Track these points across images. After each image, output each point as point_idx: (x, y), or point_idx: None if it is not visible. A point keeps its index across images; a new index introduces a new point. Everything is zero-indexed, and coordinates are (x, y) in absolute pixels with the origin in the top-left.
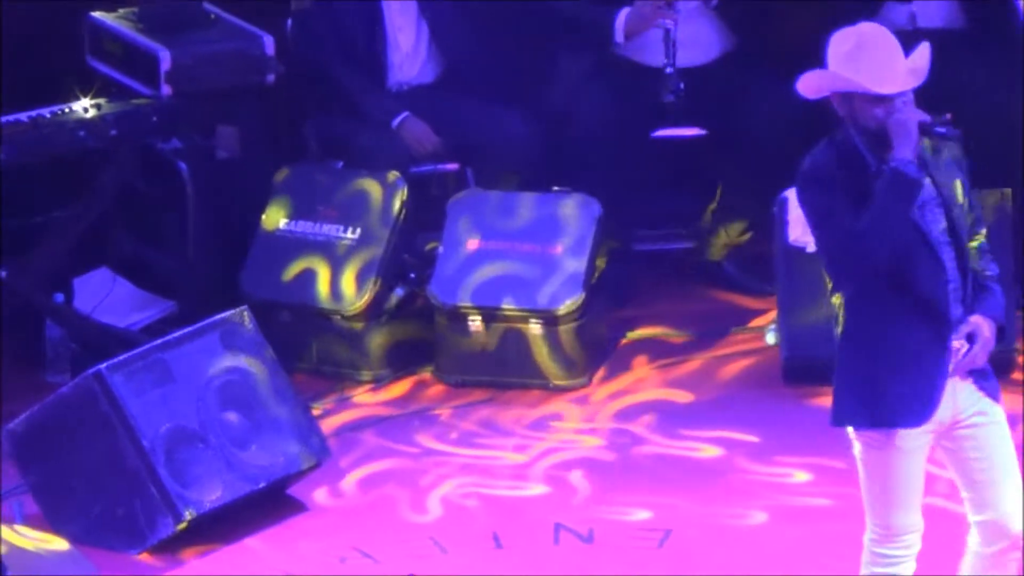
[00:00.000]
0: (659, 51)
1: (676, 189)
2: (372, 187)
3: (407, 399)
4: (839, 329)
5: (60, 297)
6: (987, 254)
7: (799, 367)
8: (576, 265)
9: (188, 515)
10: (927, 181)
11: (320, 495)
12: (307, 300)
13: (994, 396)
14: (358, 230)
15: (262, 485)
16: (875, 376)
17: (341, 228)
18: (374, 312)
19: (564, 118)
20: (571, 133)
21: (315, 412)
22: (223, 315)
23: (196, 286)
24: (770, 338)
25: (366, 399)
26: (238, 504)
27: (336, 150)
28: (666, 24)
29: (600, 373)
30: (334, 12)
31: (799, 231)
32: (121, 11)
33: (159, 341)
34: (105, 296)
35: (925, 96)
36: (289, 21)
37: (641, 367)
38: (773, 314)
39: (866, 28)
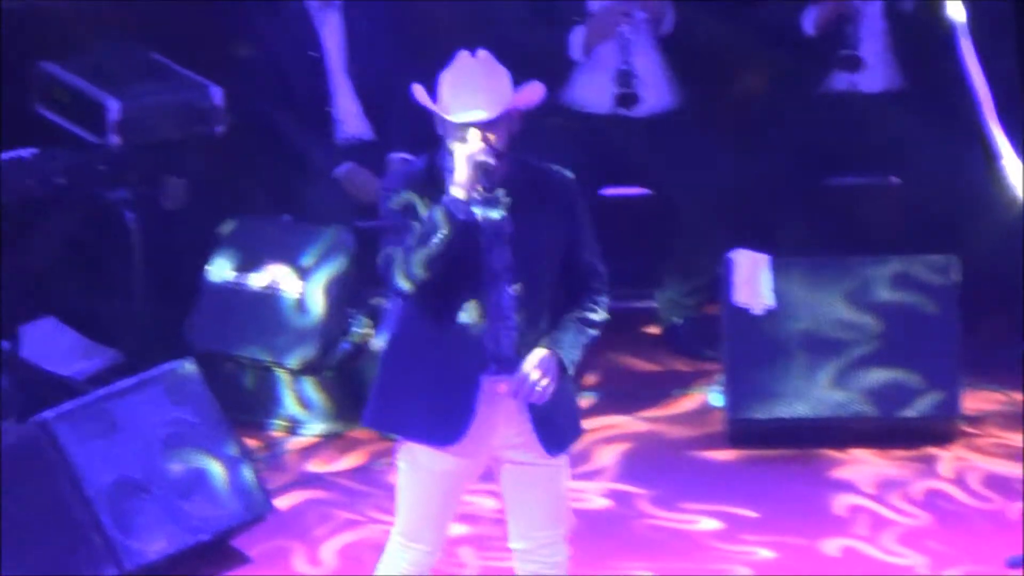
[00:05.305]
0: (604, 98)
1: (626, 247)
2: (318, 240)
3: (353, 452)
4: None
5: (6, 345)
6: (594, 301)
7: (744, 429)
8: None
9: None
10: (495, 216)
11: (261, 548)
12: (252, 352)
13: (550, 443)
14: (304, 283)
15: (205, 537)
16: (403, 386)
17: (287, 281)
18: (320, 365)
19: None
20: None
21: (259, 464)
22: (168, 366)
23: (142, 336)
24: (714, 399)
25: (312, 452)
26: (182, 555)
27: (283, 202)
28: (624, 32)
29: None
30: (278, 63)
31: (745, 293)
32: (71, 60)
33: (104, 391)
34: (51, 344)
35: (869, 158)
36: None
37: (587, 427)
38: (718, 375)
39: (464, 55)
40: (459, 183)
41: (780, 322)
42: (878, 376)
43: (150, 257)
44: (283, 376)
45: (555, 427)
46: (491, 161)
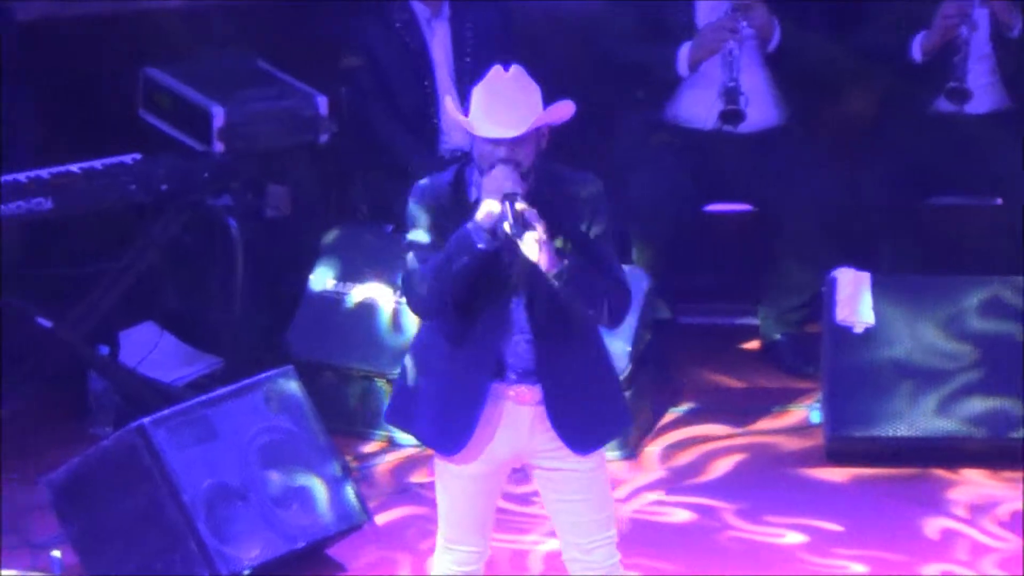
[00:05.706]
0: (709, 115)
1: (728, 263)
2: None
3: None
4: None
5: (105, 349)
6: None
7: (843, 447)
8: (623, 337)
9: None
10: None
11: (366, 560)
12: (352, 361)
13: (574, 442)
14: (400, 300)
15: (301, 545)
16: (418, 391)
17: (388, 292)
18: None
19: (616, 187)
20: (621, 203)
21: (356, 474)
22: (268, 374)
23: (242, 343)
24: (815, 416)
25: (412, 464)
26: (276, 563)
27: (386, 211)
28: (731, 48)
29: (644, 446)
30: (384, 73)
31: (847, 311)
32: (176, 66)
33: (203, 397)
34: (151, 350)
35: (974, 179)
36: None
37: (683, 441)
38: (817, 392)
39: (497, 69)
40: (484, 213)
41: (879, 343)
42: (979, 404)
43: (252, 265)
44: (384, 387)
45: (580, 425)
46: (519, 192)
